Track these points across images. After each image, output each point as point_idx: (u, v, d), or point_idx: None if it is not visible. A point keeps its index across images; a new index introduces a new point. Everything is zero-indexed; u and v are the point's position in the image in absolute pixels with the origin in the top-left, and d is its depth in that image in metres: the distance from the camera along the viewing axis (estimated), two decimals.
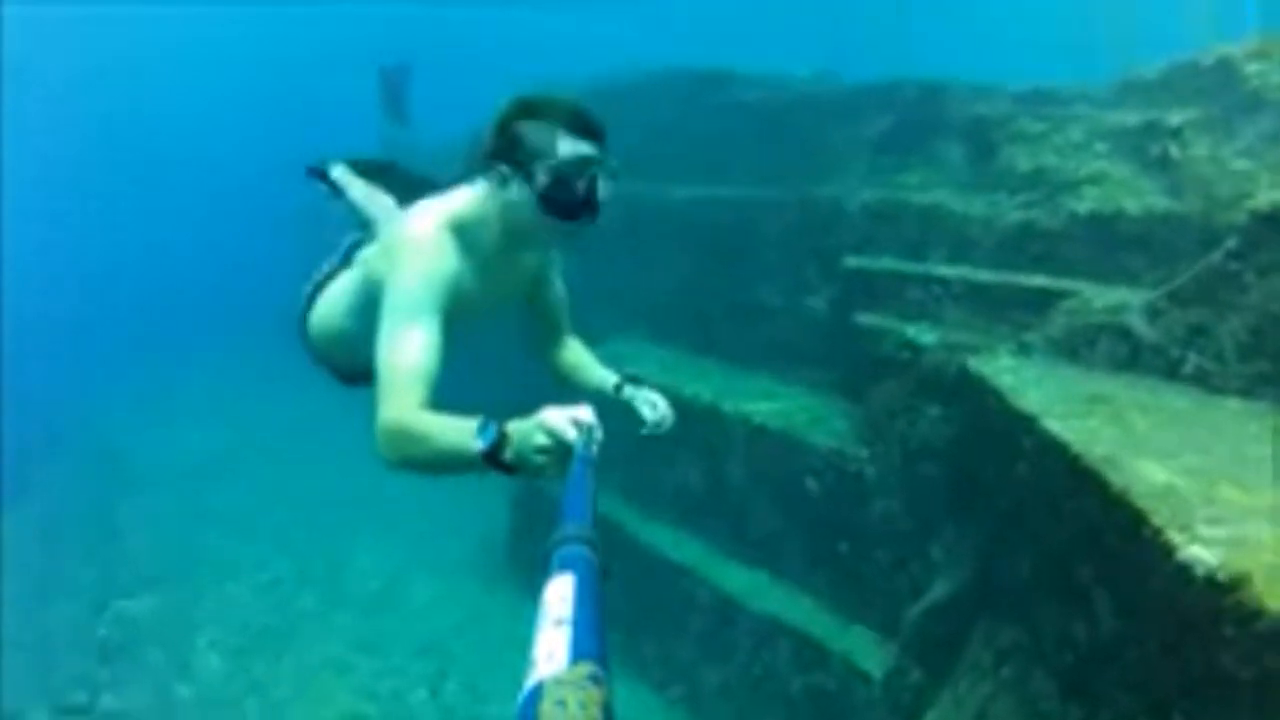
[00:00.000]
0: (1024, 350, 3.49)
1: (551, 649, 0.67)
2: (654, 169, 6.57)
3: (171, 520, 7.49)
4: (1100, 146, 4.66)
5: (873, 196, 5.18)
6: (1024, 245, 4.34)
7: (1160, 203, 4.07)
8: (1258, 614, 1.47)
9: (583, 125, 1.73)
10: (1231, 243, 2.93)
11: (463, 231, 1.84)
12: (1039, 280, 3.87)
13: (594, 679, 0.63)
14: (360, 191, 2.72)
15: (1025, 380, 3.00)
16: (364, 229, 2.49)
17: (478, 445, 1.42)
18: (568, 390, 2.27)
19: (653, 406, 2.10)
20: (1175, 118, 4.39)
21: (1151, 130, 4.47)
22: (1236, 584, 1.53)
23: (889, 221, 4.99)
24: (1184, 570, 1.62)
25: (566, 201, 1.75)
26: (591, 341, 2.42)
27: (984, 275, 4.06)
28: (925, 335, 3.79)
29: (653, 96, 7.61)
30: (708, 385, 5.07)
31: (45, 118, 27.22)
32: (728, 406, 4.72)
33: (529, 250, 1.97)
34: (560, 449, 1.38)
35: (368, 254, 2.13)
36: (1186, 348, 3.00)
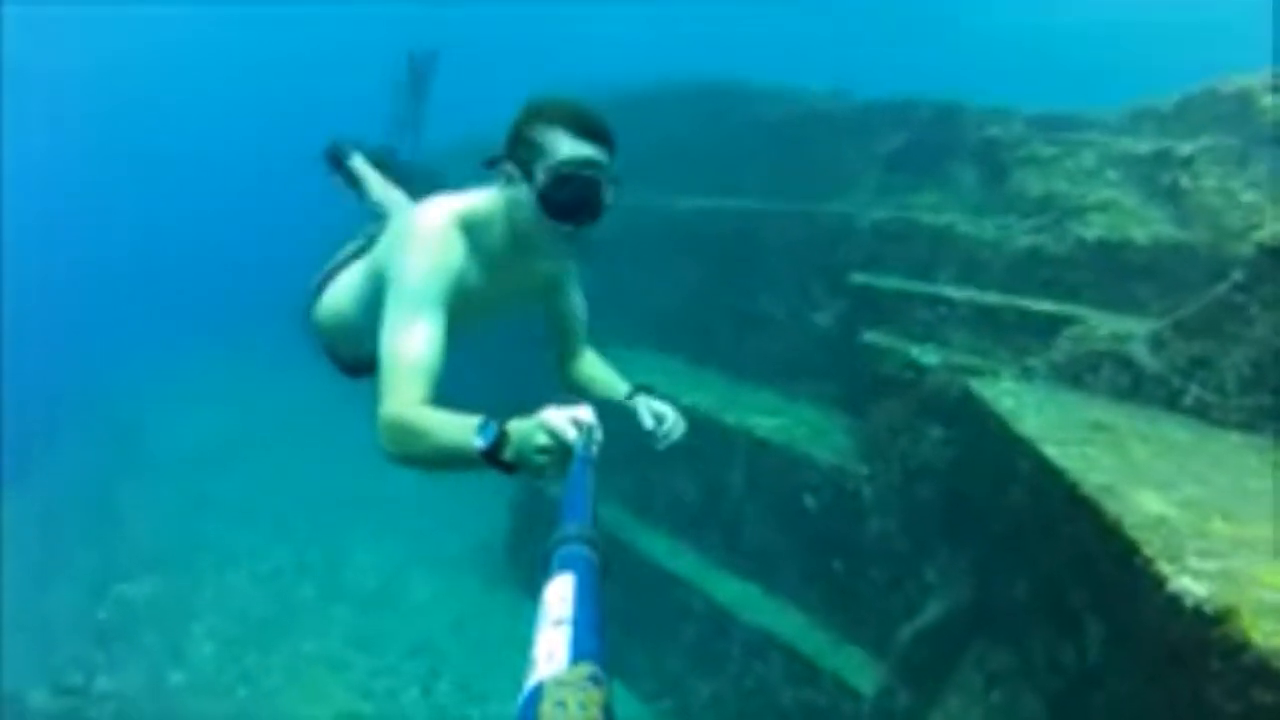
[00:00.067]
0: (1027, 375, 3.50)
1: (551, 649, 0.68)
2: (667, 180, 6.61)
3: (173, 505, 7.54)
4: (1111, 174, 4.68)
5: (883, 215, 5.20)
6: (1032, 270, 4.36)
7: (1168, 232, 4.09)
8: (1244, 647, 1.48)
9: (586, 127, 1.73)
10: (1237, 275, 2.94)
11: (470, 228, 1.85)
12: (1045, 305, 3.88)
13: (594, 679, 0.63)
14: (376, 183, 2.77)
15: (1026, 405, 3.01)
16: (378, 220, 2.53)
17: (478, 444, 1.43)
18: (573, 394, 2.29)
19: (662, 417, 2.08)
20: (1187, 147, 4.40)
21: (1163, 159, 4.49)
22: (1224, 617, 1.54)
23: (898, 240, 5.00)
24: (1173, 601, 1.64)
25: (564, 201, 1.74)
26: (596, 350, 2.43)
27: (991, 298, 4.07)
28: (929, 356, 3.80)
29: (670, 108, 7.66)
30: (711, 396, 5.09)
31: (45, 117, 27.41)
32: (730, 418, 4.73)
33: (540, 256, 1.96)
34: (560, 449, 1.39)
35: (377, 245, 2.13)
36: (1188, 379, 3.01)
